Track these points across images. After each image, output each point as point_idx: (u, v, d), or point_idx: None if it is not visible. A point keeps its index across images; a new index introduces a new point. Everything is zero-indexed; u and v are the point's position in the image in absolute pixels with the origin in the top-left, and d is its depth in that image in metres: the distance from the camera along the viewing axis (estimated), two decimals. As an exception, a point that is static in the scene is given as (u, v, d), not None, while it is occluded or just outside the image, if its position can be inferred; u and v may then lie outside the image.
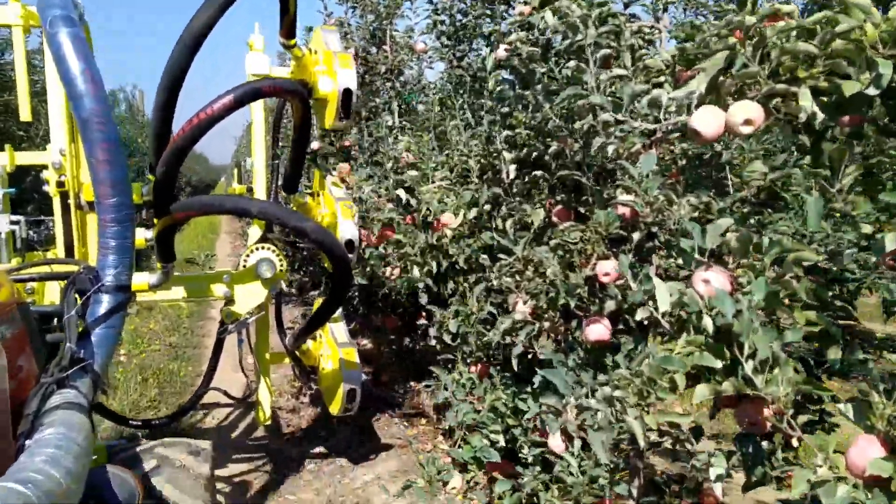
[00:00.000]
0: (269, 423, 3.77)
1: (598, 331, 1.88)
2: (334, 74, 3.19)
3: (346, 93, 3.04)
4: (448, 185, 3.32)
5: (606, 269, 1.89)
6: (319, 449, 4.31)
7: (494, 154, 2.76)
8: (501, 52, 2.73)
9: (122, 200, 1.84)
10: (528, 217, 2.65)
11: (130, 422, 3.36)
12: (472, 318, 3.26)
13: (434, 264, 3.32)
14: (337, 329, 3.77)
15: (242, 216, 2.86)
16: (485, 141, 2.87)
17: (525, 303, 2.49)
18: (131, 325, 7.19)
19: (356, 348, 3.60)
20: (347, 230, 3.16)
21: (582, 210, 2.39)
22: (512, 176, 2.72)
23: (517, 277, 2.55)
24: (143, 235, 3.06)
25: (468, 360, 3.34)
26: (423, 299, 3.40)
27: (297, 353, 3.67)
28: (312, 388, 4.49)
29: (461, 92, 3.73)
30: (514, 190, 2.74)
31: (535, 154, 2.69)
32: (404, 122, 5.00)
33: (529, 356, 2.58)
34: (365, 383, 5.26)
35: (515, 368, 2.46)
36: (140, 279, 2.90)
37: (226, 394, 3.81)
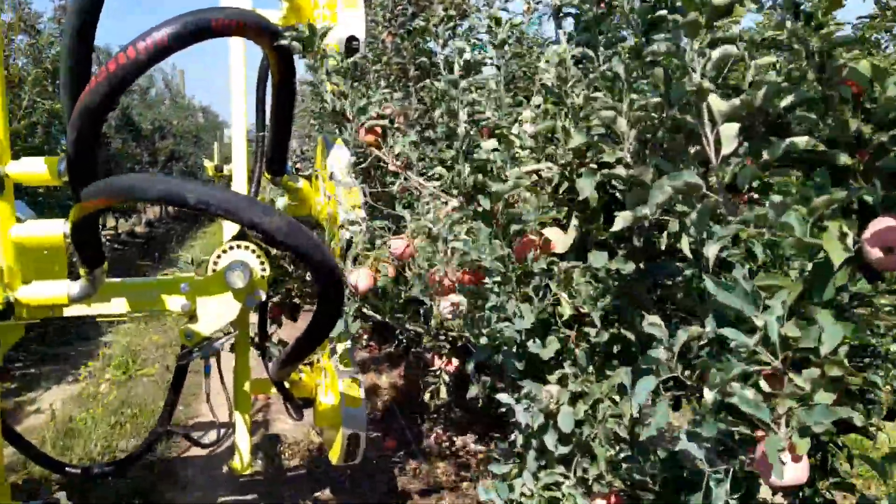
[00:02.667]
0: (248, 471, 2.97)
1: None
2: (337, 19, 2.55)
3: (351, 42, 2.45)
4: (557, 170, 1.86)
5: None
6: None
7: (685, 102, 1.28)
8: None
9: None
10: (778, 237, 1.17)
11: (66, 468, 2.74)
12: (601, 409, 1.83)
13: (527, 309, 1.88)
14: (340, 352, 3.05)
15: (174, 205, 1.84)
16: (662, 78, 1.36)
17: (797, 458, 1.01)
18: (125, 338, 5.92)
19: (360, 380, 2.97)
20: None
21: None
22: (728, 149, 1.23)
23: (767, 387, 1.07)
24: (61, 229, 2.45)
25: (589, 484, 1.89)
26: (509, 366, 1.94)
27: (284, 383, 3.04)
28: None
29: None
30: (727, 178, 1.25)
31: (790, 99, 1.20)
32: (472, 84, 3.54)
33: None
34: (401, 430, 3.86)
35: None
36: (57, 290, 2.44)
37: (188, 437, 3.05)
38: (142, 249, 12.54)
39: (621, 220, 1.43)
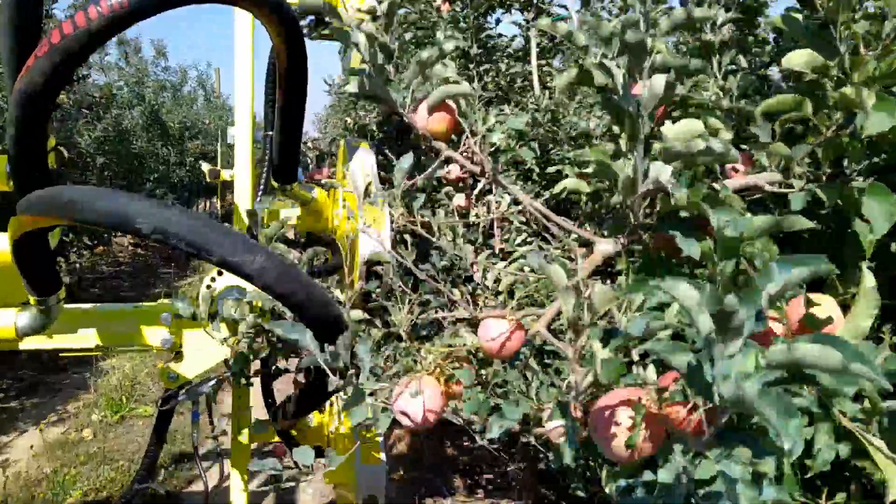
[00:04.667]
0: None
1: None
2: (358, -9, 2.17)
3: (376, 22, 1.90)
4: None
5: None
6: None
7: None
8: None
9: None
10: None
11: None
12: None
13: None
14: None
15: (122, 231, 1.18)
16: None
17: None
18: (128, 363, 5.11)
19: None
20: (368, 247, 2.00)
21: None
22: None
23: None
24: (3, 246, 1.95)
25: None
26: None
27: (290, 431, 2.57)
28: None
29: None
30: None
31: None
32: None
33: None
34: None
35: None
36: (1, 320, 1.95)
37: (170, 496, 2.76)
38: (167, 255, 11.86)
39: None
